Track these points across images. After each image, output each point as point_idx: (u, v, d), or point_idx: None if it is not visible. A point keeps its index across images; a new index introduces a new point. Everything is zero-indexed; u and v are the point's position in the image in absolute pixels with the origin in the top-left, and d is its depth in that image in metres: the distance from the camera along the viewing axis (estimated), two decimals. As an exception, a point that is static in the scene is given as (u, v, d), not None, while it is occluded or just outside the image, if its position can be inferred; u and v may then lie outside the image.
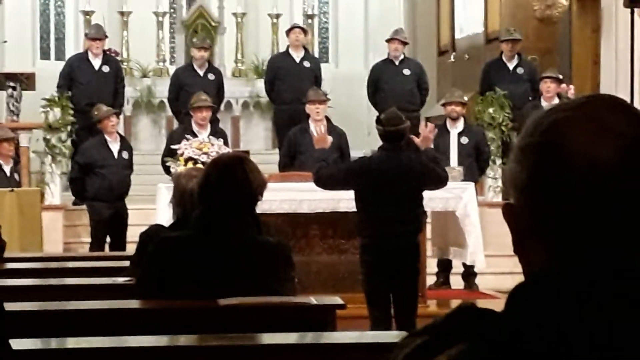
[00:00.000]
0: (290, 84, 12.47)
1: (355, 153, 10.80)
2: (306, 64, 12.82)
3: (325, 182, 7.48)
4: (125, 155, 11.14)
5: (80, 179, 11.06)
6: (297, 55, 12.84)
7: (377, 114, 13.13)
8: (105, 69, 12.70)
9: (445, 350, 1.27)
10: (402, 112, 7.98)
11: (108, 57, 13.04)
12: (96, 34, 12.76)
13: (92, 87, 12.41)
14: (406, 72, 12.61)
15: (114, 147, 11.08)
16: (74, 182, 11.28)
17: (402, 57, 12.70)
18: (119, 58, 15.07)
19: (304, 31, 13.23)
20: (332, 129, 11.05)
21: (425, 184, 7.30)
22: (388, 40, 12.73)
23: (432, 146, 7.88)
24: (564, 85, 11.74)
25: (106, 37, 12.93)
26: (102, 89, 12.42)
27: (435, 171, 7.36)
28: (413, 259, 7.24)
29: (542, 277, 1.31)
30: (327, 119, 11.14)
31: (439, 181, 7.42)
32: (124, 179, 11.05)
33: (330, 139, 8.78)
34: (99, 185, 10.91)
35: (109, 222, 10.88)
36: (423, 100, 12.72)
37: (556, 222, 1.31)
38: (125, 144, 11.42)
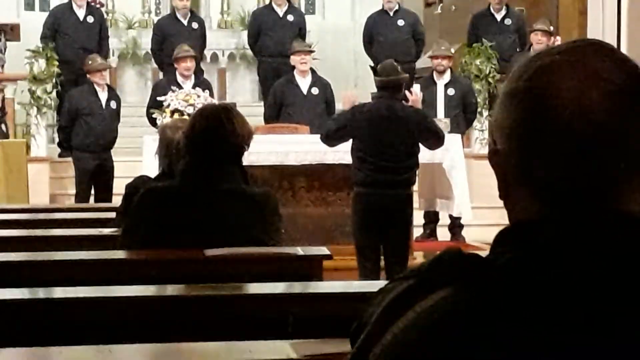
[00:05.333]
0: (274, 37, 12.41)
1: (341, 105, 10.79)
2: (290, 17, 12.76)
3: (326, 138, 7.47)
4: (113, 105, 11.13)
5: (69, 127, 11.05)
6: (281, 9, 12.77)
7: (364, 65, 13.08)
8: (90, 19, 12.62)
9: (430, 294, 1.27)
10: (397, 64, 7.97)
11: (92, 8, 12.96)
12: None
13: (77, 38, 12.35)
14: (400, 23, 12.56)
15: (102, 96, 11.07)
16: (63, 131, 11.28)
17: (396, 7, 12.65)
18: (103, 9, 14.98)
19: (286, -15, 13.16)
20: (317, 80, 11.05)
21: (420, 135, 7.26)
22: (382, -9, 12.70)
23: (420, 107, 7.92)
24: (553, 38, 11.72)
25: None
26: (87, 40, 12.36)
27: (434, 126, 7.38)
28: (404, 210, 7.25)
29: (527, 222, 1.32)
30: (312, 70, 11.13)
31: (437, 137, 7.36)
32: (110, 128, 11.03)
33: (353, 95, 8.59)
34: (85, 135, 10.90)
35: (94, 174, 10.88)
36: (419, 51, 12.65)
37: (542, 169, 1.31)
38: (113, 94, 11.40)
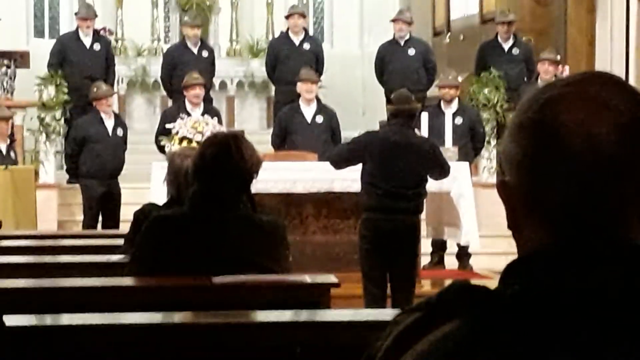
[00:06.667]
0: (291, 66, 12.41)
1: (349, 133, 10.82)
2: (306, 46, 12.82)
3: (335, 161, 7.56)
4: (119, 132, 11.16)
5: (76, 155, 11.07)
6: (297, 38, 12.83)
7: (372, 94, 13.13)
8: (97, 47, 12.68)
9: (439, 327, 1.27)
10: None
11: (99, 36, 13.02)
12: (86, 14, 12.74)
13: (83, 66, 12.40)
14: (411, 52, 12.59)
15: (109, 123, 11.10)
16: (70, 159, 11.29)
17: (407, 37, 12.68)
18: (113, 37, 15.05)
19: (303, 16, 13.22)
20: (321, 108, 11.10)
21: (429, 164, 7.33)
22: (392, 21, 12.74)
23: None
24: (560, 67, 11.75)
25: (96, 16, 12.91)
26: (94, 68, 12.41)
27: (442, 157, 7.48)
28: (411, 237, 7.28)
29: (536, 254, 1.32)
30: (317, 99, 11.18)
31: (443, 168, 7.46)
32: (118, 155, 11.06)
33: None
34: (92, 162, 10.92)
35: (101, 200, 10.89)
36: (431, 80, 12.65)
37: (551, 200, 1.31)
38: (120, 121, 11.43)
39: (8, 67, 12.17)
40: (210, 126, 9.97)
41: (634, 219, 1.31)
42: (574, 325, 1.23)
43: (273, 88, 13.69)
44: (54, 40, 13.67)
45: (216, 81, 14.35)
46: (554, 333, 1.23)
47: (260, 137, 12.17)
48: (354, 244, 7.99)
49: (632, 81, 11.06)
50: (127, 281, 4.22)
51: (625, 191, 1.30)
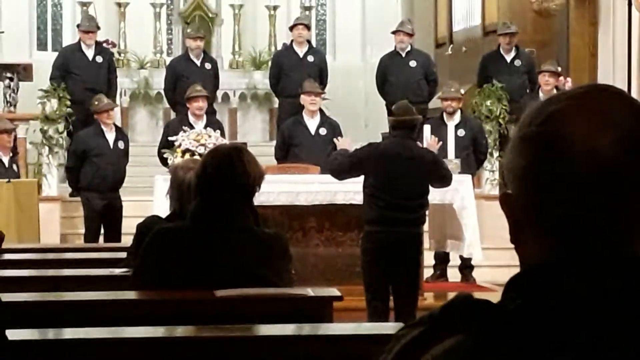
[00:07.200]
0: (295, 78, 12.42)
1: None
2: (310, 58, 12.82)
3: (336, 171, 7.57)
4: (121, 145, 11.15)
5: (77, 168, 11.06)
6: (301, 50, 12.84)
7: (375, 106, 13.14)
8: (99, 59, 12.70)
9: (442, 341, 1.27)
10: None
11: (101, 48, 13.03)
12: (88, 27, 12.76)
13: (86, 78, 12.41)
14: (412, 64, 12.59)
15: (110, 136, 11.09)
16: (70, 172, 11.28)
17: (408, 48, 12.67)
18: (115, 49, 15.07)
19: (307, 27, 13.23)
20: (325, 120, 11.10)
21: (432, 175, 7.34)
22: (394, 32, 12.74)
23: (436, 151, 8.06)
24: (561, 78, 11.75)
25: (98, 28, 12.93)
26: (96, 80, 12.42)
27: (444, 166, 7.49)
28: (414, 249, 7.28)
29: (538, 267, 1.32)
30: (321, 111, 11.18)
31: (445, 178, 7.48)
32: (119, 168, 11.05)
33: (347, 141, 8.64)
34: (93, 175, 10.91)
35: (102, 213, 10.88)
36: (432, 92, 12.63)
37: (554, 213, 1.31)
38: (121, 134, 11.43)
39: (11, 79, 12.20)
40: (213, 138, 9.98)
41: (637, 228, 1.31)
42: (573, 326, 1.23)
43: (276, 100, 13.70)
44: (56, 53, 13.70)
45: (219, 93, 14.36)
46: (553, 335, 1.23)
47: (262, 149, 12.20)
48: (356, 256, 7.98)
49: (634, 93, 11.06)
50: (129, 294, 4.22)
51: (627, 204, 1.30)
